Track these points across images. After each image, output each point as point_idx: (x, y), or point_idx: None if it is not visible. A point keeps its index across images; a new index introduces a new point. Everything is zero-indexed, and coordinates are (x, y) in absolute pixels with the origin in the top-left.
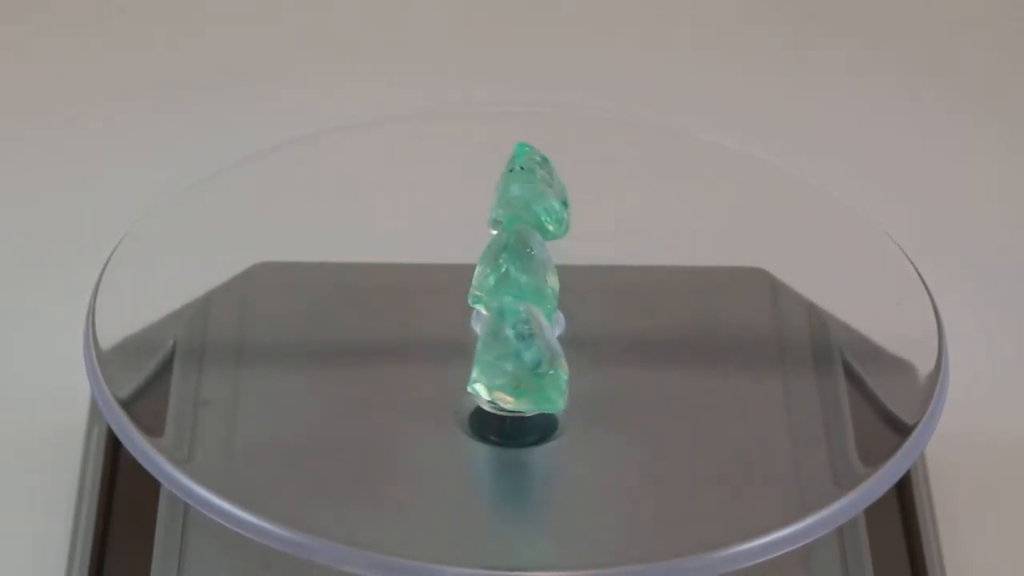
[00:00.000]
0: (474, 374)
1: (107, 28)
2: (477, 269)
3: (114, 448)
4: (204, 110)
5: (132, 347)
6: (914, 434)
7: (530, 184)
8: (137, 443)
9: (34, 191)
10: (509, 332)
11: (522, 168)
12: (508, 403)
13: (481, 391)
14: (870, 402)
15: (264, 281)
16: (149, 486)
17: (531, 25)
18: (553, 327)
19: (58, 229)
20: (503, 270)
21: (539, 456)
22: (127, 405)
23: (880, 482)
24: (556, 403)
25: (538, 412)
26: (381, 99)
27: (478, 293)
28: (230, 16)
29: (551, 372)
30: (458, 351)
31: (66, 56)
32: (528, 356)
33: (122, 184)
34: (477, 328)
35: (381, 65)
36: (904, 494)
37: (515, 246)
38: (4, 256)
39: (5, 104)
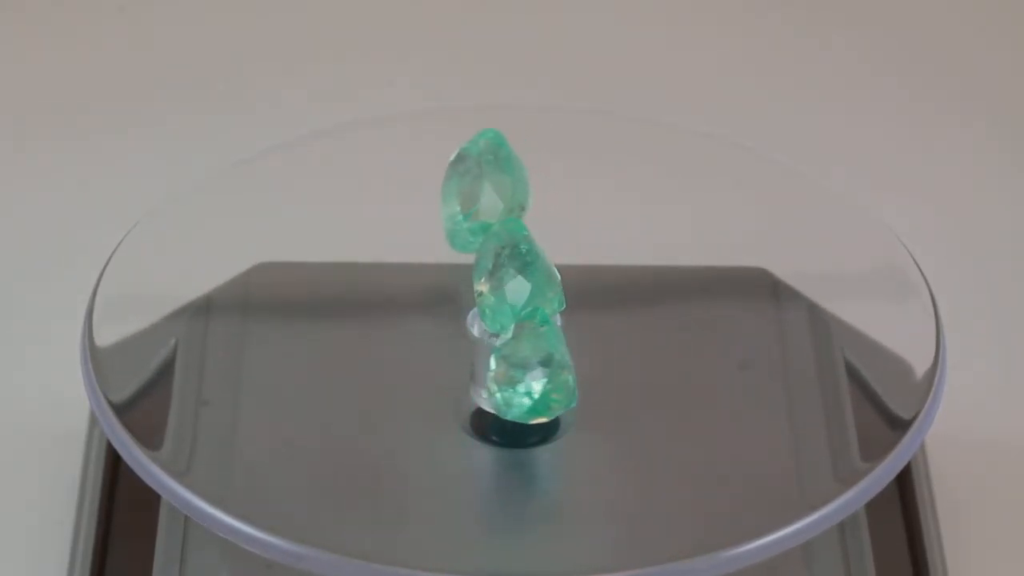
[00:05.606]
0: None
1: (107, 28)
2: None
3: (115, 452)
4: (204, 110)
5: (132, 348)
6: (912, 428)
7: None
8: (135, 455)
9: (34, 193)
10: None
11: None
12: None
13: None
14: (871, 401)
15: (264, 281)
16: (150, 491)
17: (531, 24)
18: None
19: (59, 231)
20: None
21: (540, 457)
22: (126, 409)
23: (878, 477)
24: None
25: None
26: (381, 99)
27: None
28: (230, 16)
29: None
30: (458, 351)
31: (65, 56)
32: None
33: (122, 185)
34: (475, 328)
35: (381, 64)
36: (905, 493)
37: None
38: (4, 258)
39: (5, 104)
